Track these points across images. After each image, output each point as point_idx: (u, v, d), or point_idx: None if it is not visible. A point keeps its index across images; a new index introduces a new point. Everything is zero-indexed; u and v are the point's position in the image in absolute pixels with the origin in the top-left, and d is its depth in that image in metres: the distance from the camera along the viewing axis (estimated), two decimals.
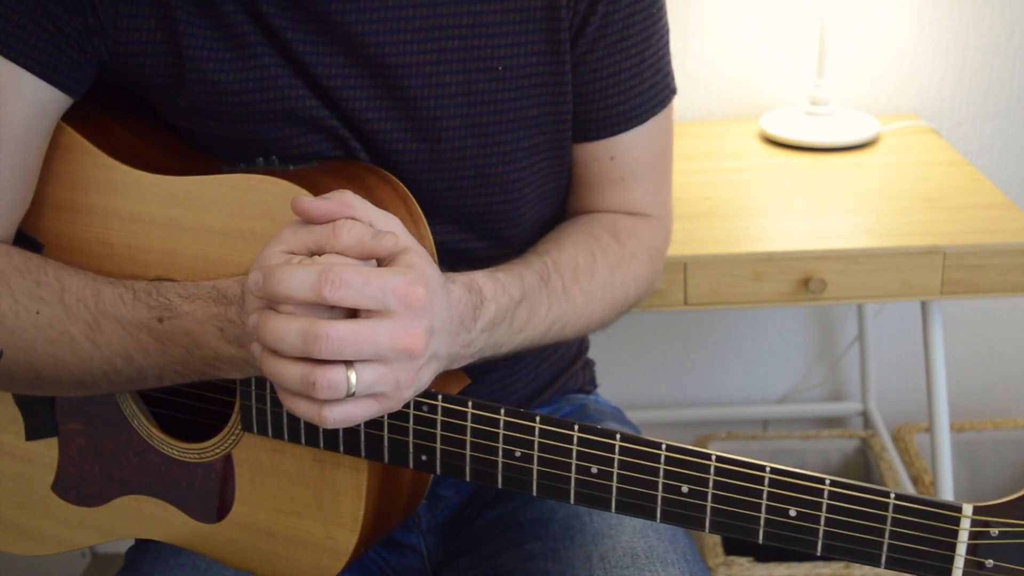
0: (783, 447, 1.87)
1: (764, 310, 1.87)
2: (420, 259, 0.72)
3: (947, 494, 1.44)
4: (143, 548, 0.94)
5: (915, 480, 1.74)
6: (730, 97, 1.74)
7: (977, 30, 1.70)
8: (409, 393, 0.72)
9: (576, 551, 0.89)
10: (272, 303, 0.69)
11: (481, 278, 0.81)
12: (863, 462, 1.85)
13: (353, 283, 0.68)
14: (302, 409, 0.70)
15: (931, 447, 1.44)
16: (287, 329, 0.68)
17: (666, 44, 0.95)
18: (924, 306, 1.39)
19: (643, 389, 1.94)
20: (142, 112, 0.92)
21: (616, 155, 0.94)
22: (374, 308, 0.69)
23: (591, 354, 1.14)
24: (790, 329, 1.91)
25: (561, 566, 0.89)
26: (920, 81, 1.73)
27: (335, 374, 0.68)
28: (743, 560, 1.61)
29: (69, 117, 0.88)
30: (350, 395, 0.69)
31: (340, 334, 0.67)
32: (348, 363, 0.68)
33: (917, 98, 1.74)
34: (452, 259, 0.91)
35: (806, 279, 1.29)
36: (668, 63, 0.95)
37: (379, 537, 0.88)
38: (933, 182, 1.46)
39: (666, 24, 0.94)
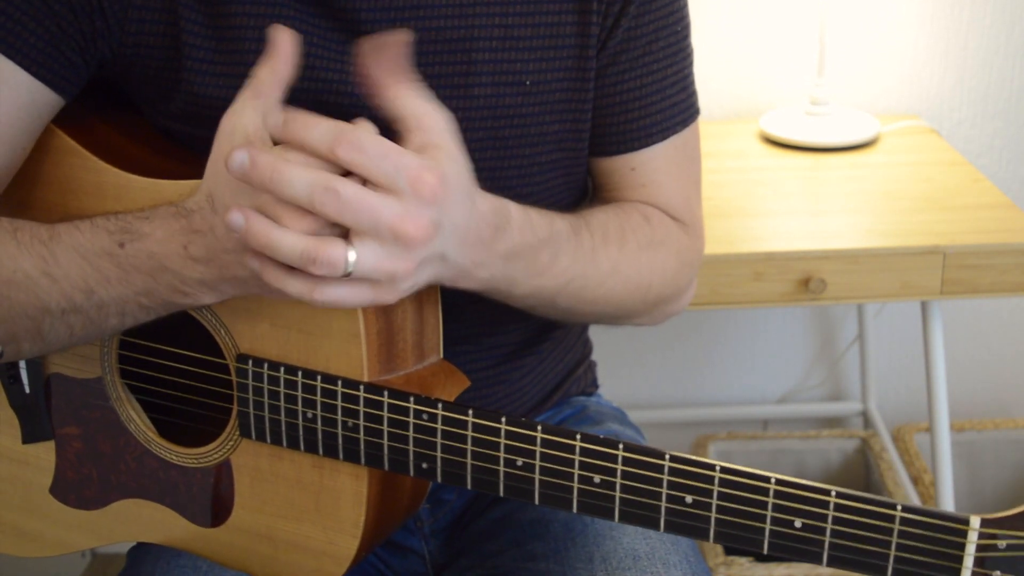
0: (783, 447, 1.87)
1: (764, 310, 1.87)
2: (447, 157, 0.70)
3: (947, 494, 1.44)
4: (144, 549, 0.94)
5: (915, 480, 1.74)
6: (730, 97, 1.74)
7: (977, 30, 1.69)
8: (404, 287, 0.70)
9: (578, 552, 0.89)
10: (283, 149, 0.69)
11: (512, 205, 0.79)
12: (863, 462, 1.85)
13: (369, 150, 0.67)
14: (293, 287, 0.69)
15: (931, 447, 1.44)
16: (299, 175, 0.67)
17: (690, 64, 0.94)
18: (924, 306, 1.39)
19: (643, 389, 1.94)
20: (132, 114, 0.91)
21: (636, 166, 0.93)
22: (383, 183, 0.67)
23: (592, 355, 1.14)
24: (790, 329, 1.90)
25: (563, 567, 0.89)
26: (920, 81, 1.73)
27: (335, 250, 0.67)
28: (743, 560, 1.61)
29: (59, 120, 0.87)
30: (346, 275, 0.67)
31: (348, 193, 0.66)
32: (348, 242, 0.67)
33: (917, 98, 1.74)
34: None
35: (806, 279, 1.29)
36: (692, 83, 0.94)
37: (380, 540, 0.88)
38: (933, 182, 1.46)
39: (691, 45, 0.93)
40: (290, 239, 0.68)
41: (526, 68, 0.87)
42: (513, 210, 0.78)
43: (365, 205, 0.66)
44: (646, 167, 0.93)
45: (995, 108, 1.74)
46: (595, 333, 1.16)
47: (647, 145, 0.92)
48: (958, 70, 1.72)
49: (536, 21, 0.86)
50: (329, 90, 0.84)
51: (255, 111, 0.73)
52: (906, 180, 1.47)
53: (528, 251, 0.80)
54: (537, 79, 0.87)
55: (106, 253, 0.78)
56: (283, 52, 0.74)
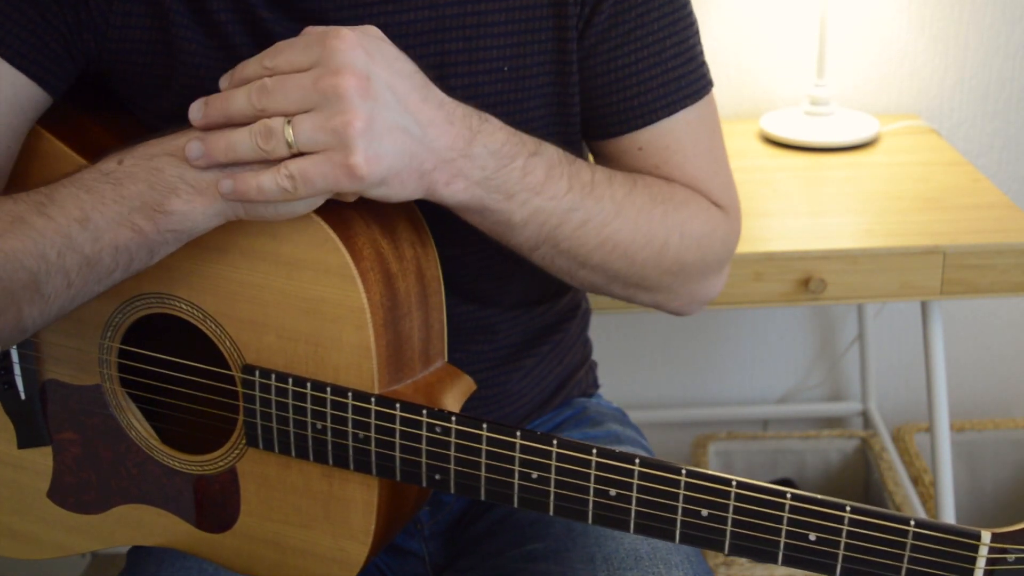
0: (783, 447, 1.87)
1: (764, 310, 1.87)
2: (347, 30, 0.74)
3: (947, 494, 1.44)
4: (146, 549, 0.94)
5: (915, 480, 1.74)
6: (730, 97, 1.74)
7: (977, 30, 1.69)
8: (362, 144, 0.72)
9: (579, 552, 0.89)
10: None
11: (490, 116, 0.80)
12: (863, 462, 1.85)
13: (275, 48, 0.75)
14: (266, 181, 0.73)
15: (931, 447, 1.44)
16: (237, 93, 0.74)
17: (694, 35, 0.90)
18: (924, 306, 1.39)
19: (643, 389, 1.94)
20: (122, 114, 0.90)
21: (644, 145, 0.90)
22: (301, 66, 0.73)
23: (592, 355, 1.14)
24: (790, 329, 1.90)
25: (563, 567, 0.88)
26: (920, 81, 1.73)
27: (273, 122, 0.72)
28: (743, 560, 1.61)
29: (47, 122, 0.85)
30: (293, 151, 0.72)
31: (270, 81, 0.73)
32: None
33: (917, 98, 1.74)
34: (457, 268, 0.90)
35: (806, 279, 1.29)
36: (700, 55, 0.91)
37: (385, 544, 0.87)
38: (933, 182, 1.46)
39: (692, 15, 0.90)
40: (241, 132, 0.74)
41: (502, 55, 0.86)
42: (491, 116, 0.80)
43: (287, 80, 0.73)
44: (655, 145, 0.90)
45: (995, 108, 1.74)
46: (595, 333, 1.15)
47: (652, 122, 0.89)
48: (958, 70, 1.72)
49: (509, 6, 0.85)
50: None
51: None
52: (906, 180, 1.47)
53: (517, 157, 0.79)
54: (515, 65, 0.86)
55: (104, 174, 0.77)
56: None
